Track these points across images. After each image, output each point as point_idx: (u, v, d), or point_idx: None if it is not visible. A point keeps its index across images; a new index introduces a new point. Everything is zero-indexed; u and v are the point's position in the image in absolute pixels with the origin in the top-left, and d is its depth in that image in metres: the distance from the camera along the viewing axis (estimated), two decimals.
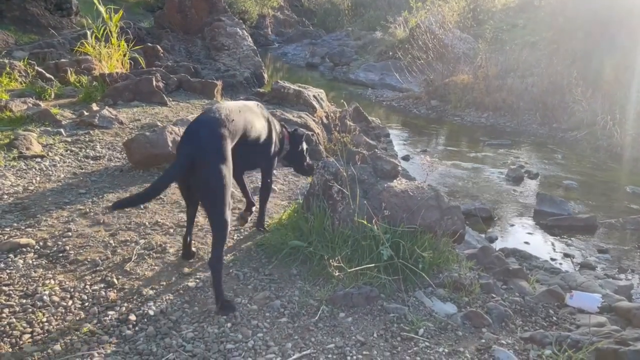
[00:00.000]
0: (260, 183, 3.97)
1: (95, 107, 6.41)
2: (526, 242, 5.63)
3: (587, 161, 8.93)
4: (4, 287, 2.85)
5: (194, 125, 2.90)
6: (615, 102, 9.72)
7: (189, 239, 3.31)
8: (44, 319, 2.62)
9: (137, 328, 2.64)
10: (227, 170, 2.77)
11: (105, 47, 8.52)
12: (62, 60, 8.96)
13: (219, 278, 2.80)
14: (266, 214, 4.16)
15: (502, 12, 17.92)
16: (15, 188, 4.16)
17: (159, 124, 6.09)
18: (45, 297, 2.78)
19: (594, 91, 10.45)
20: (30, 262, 3.15)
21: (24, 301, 2.75)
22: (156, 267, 3.22)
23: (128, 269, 3.15)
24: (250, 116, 3.25)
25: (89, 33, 8.57)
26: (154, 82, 7.35)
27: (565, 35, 12.75)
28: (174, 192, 4.36)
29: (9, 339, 2.45)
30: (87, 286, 2.94)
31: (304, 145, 4.05)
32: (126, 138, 5.24)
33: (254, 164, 3.80)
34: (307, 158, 4.12)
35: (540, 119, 11.13)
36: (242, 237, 3.76)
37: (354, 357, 2.60)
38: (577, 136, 10.18)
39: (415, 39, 14.21)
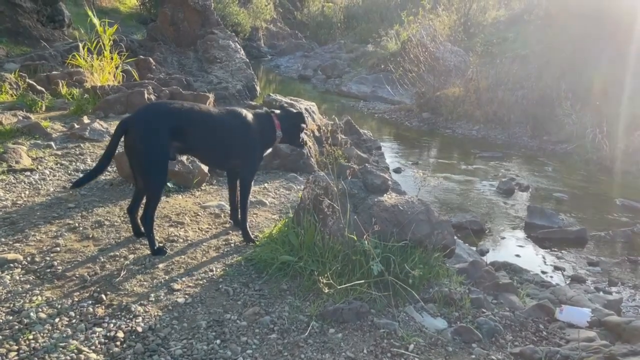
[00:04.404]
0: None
1: (86, 119, 6.40)
2: (517, 255, 5.65)
3: (577, 174, 9.00)
4: None
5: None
6: (603, 115, 9.82)
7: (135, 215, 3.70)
8: (31, 337, 2.59)
9: (125, 345, 2.61)
10: (153, 138, 3.32)
11: (97, 59, 8.52)
12: (54, 72, 8.93)
13: (149, 232, 3.51)
14: (257, 228, 4.16)
15: (492, 26, 18.13)
16: (4, 202, 4.13)
17: None
18: (32, 313, 2.75)
19: (583, 104, 10.57)
20: (18, 277, 3.12)
21: (11, 318, 2.72)
22: (145, 283, 3.20)
23: (117, 285, 3.13)
24: (195, 111, 3.58)
25: (80, 45, 8.58)
26: (146, 95, 7.34)
27: (554, 49, 12.91)
28: (163, 206, 4.35)
29: None
30: (75, 302, 2.92)
31: (303, 135, 4.21)
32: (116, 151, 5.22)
33: (231, 161, 3.87)
34: (301, 137, 4.21)
35: (530, 131, 11.22)
36: (231, 251, 3.75)
37: None
38: (567, 149, 10.28)
39: (406, 51, 14.32)
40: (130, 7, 22.03)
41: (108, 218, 4.04)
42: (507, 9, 19.73)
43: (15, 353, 2.46)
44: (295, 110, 4.15)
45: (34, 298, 2.92)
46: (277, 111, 4.06)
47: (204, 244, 3.82)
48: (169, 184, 4.73)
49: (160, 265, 3.41)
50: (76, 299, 2.95)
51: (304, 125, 4.15)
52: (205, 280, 3.30)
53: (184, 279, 3.29)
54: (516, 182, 8.07)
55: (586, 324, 3.45)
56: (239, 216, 3.94)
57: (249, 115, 3.80)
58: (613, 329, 3.39)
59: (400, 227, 3.50)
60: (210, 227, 4.13)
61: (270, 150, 4.19)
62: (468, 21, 18.07)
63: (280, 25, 29.38)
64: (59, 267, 3.26)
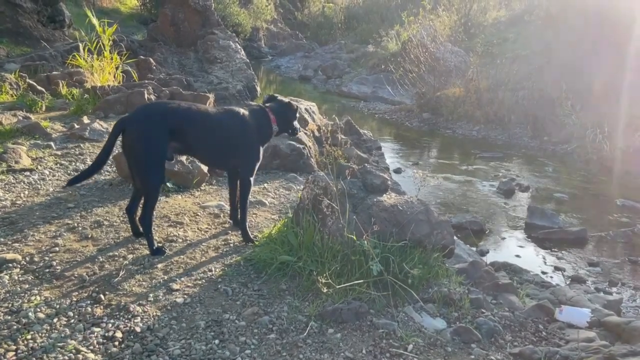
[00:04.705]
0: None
1: (86, 119, 6.40)
2: (517, 256, 5.64)
3: (577, 174, 8.99)
4: None
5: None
6: (604, 115, 9.81)
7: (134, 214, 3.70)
8: (29, 336, 2.58)
9: (123, 345, 2.61)
10: (150, 137, 3.34)
11: (97, 59, 8.53)
12: (54, 72, 8.94)
13: (148, 232, 3.52)
14: (257, 229, 4.16)
15: (492, 26, 18.13)
16: (3, 202, 4.13)
17: None
18: (30, 313, 2.75)
19: (584, 105, 10.56)
20: (16, 277, 3.11)
21: (9, 318, 2.72)
22: (144, 283, 3.19)
23: (115, 285, 3.13)
24: (193, 111, 3.57)
25: (81, 46, 8.59)
26: (146, 95, 7.34)
27: (555, 49, 12.90)
28: (162, 206, 4.35)
29: None
30: (74, 302, 2.91)
31: (296, 125, 4.19)
32: (116, 151, 5.21)
33: (231, 160, 3.86)
34: (296, 128, 4.21)
35: (531, 131, 11.21)
36: (230, 251, 3.74)
37: None
38: (568, 149, 10.26)
39: (407, 52, 14.30)
40: (131, 7, 22.08)
41: (107, 218, 4.04)
42: (507, 10, 19.72)
43: (14, 353, 2.46)
44: (286, 100, 4.15)
45: (33, 298, 2.91)
46: (269, 104, 4.06)
47: (203, 244, 3.81)
48: (168, 184, 4.73)
49: (159, 265, 3.41)
50: (75, 299, 2.94)
51: (296, 115, 4.16)
52: (204, 280, 3.29)
53: (182, 279, 3.28)
54: (516, 183, 8.06)
55: (586, 324, 3.44)
56: (239, 216, 3.94)
57: (245, 113, 3.80)
58: (613, 329, 3.38)
59: (399, 227, 3.49)
60: (209, 227, 4.12)
61: (267, 145, 4.20)
62: (468, 22, 18.08)
63: (281, 25, 29.39)
64: (57, 267, 3.25)
